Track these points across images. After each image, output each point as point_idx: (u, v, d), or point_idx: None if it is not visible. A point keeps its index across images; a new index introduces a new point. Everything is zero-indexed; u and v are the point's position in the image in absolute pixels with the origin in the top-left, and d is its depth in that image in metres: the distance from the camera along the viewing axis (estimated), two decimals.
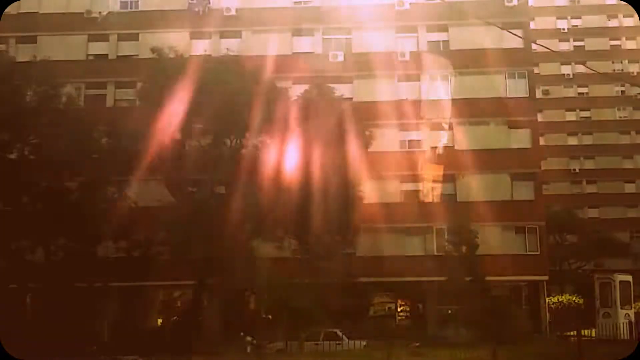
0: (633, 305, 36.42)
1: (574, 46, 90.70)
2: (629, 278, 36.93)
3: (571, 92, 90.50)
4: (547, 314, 49.25)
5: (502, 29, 48.03)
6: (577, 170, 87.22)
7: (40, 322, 37.54)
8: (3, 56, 44.81)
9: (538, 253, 49.50)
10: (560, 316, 51.29)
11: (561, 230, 75.14)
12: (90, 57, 51.95)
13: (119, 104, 50.24)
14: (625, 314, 34.74)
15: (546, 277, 49.46)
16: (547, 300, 55.82)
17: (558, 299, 56.46)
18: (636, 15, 67.81)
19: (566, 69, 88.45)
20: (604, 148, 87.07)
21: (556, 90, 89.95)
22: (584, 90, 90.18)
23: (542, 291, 49.37)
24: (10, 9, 48.88)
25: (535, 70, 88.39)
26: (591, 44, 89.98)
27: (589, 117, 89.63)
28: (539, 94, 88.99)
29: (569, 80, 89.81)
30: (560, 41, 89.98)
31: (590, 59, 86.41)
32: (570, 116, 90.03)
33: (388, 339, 40.96)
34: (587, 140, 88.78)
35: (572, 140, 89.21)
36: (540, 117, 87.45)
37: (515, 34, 48.19)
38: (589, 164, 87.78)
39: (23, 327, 35.69)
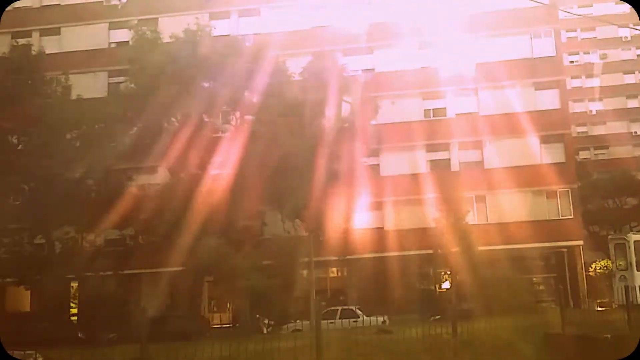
0: None
1: (630, 8, 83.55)
2: None
3: (629, 54, 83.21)
4: (585, 281, 44.08)
5: None
6: (639, 133, 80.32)
7: None
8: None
9: (571, 217, 44.28)
10: (603, 282, 46.32)
11: (620, 194, 69.46)
12: (112, 45, 48.91)
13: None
14: None
15: (581, 242, 44.38)
16: (593, 266, 51.23)
17: (604, 264, 51.05)
18: None
19: (623, 32, 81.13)
20: None
21: (614, 53, 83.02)
22: None
23: (578, 257, 44.12)
24: (32, 3, 47.19)
25: (592, 35, 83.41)
26: None
27: None
28: (595, 58, 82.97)
29: (627, 43, 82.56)
30: (615, 4, 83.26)
31: None
32: (629, 79, 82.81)
33: (409, 314, 37.38)
34: None
35: (632, 103, 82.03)
36: (598, 82, 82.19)
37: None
38: None
39: None
